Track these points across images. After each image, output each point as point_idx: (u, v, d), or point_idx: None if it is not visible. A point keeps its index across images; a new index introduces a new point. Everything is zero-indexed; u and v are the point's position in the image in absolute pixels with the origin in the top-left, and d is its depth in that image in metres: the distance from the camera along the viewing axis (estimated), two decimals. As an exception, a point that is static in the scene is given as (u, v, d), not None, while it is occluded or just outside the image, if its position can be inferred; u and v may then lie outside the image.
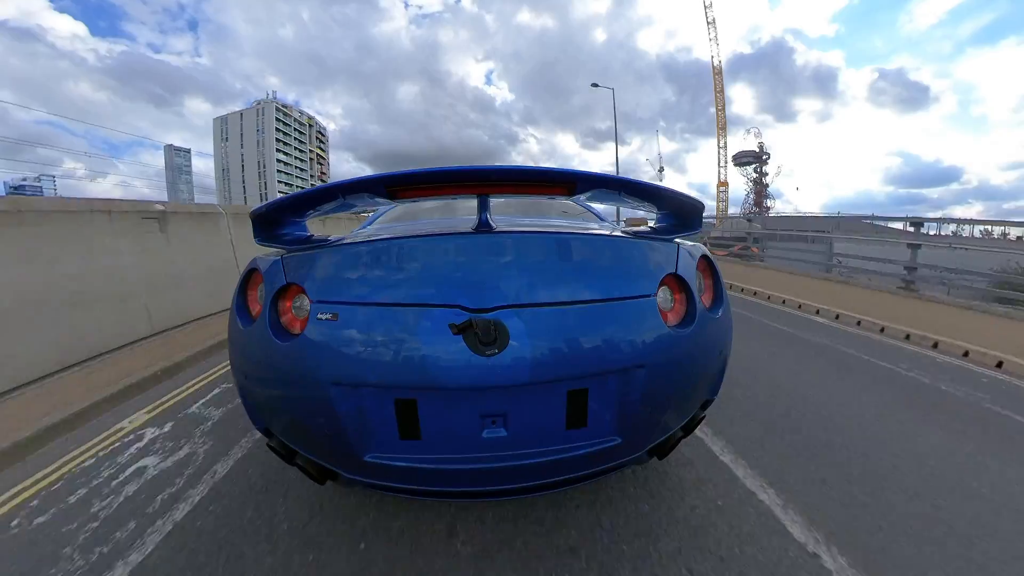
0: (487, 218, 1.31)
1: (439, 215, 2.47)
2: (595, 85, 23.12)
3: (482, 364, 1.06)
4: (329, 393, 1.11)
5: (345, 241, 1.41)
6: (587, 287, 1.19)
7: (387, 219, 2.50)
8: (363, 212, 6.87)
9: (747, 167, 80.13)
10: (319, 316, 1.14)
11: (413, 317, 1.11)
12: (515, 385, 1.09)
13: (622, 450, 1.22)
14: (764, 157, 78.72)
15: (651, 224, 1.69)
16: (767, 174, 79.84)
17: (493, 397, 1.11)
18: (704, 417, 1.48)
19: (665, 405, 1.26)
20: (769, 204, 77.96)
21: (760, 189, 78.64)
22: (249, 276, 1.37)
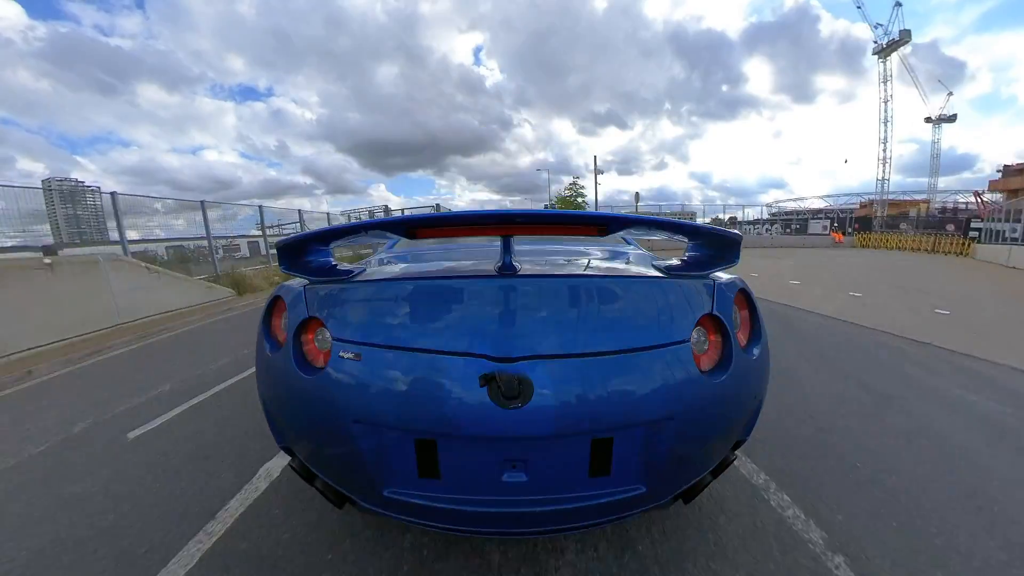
0: (511, 260, 1.28)
1: (458, 244, 2.47)
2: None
3: (504, 415, 1.05)
4: (350, 429, 1.13)
5: (365, 277, 1.39)
6: (617, 334, 1.14)
7: (404, 244, 2.51)
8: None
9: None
10: (341, 354, 1.16)
11: (435, 364, 1.10)
12: (538, 437, 1.07)
13: (647, 498, 1.19)
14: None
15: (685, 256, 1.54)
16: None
17: (515, 446, 1.10)
18: (735, 459, 1.40)
19: (694, 453, 1.22)
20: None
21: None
22: (274, 304, 1.40)
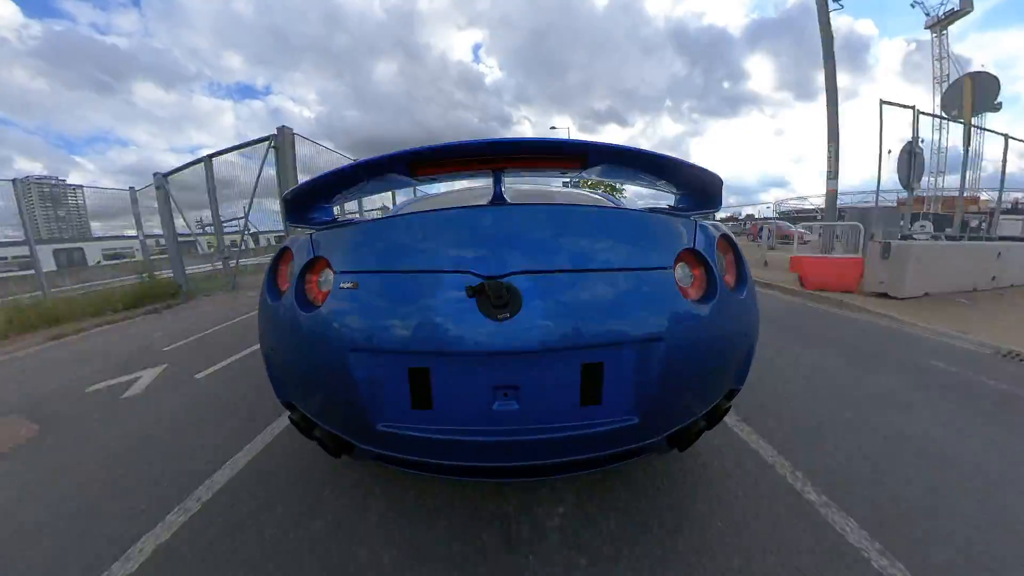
0: (501, 191, 1.34)
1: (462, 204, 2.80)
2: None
3: (494, 329, 1.07)
4: (347, 360, 1.15)
5: (367, 219, 1.52)
6: (601, 257, 1.18)
7: (411, 207, 2.67)
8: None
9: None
10: (341, 285, 1.20)
11: (429, 283, 1.15)
12: (527, 351, 1.09)
13: (639, 432, 1.20)
14: None
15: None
16: None
17: (505, 366, 1.12)
18: (729, 408, 1.40)
19: (685, 385, 1.23)
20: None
21: None
22: (281, 255, 1.46)
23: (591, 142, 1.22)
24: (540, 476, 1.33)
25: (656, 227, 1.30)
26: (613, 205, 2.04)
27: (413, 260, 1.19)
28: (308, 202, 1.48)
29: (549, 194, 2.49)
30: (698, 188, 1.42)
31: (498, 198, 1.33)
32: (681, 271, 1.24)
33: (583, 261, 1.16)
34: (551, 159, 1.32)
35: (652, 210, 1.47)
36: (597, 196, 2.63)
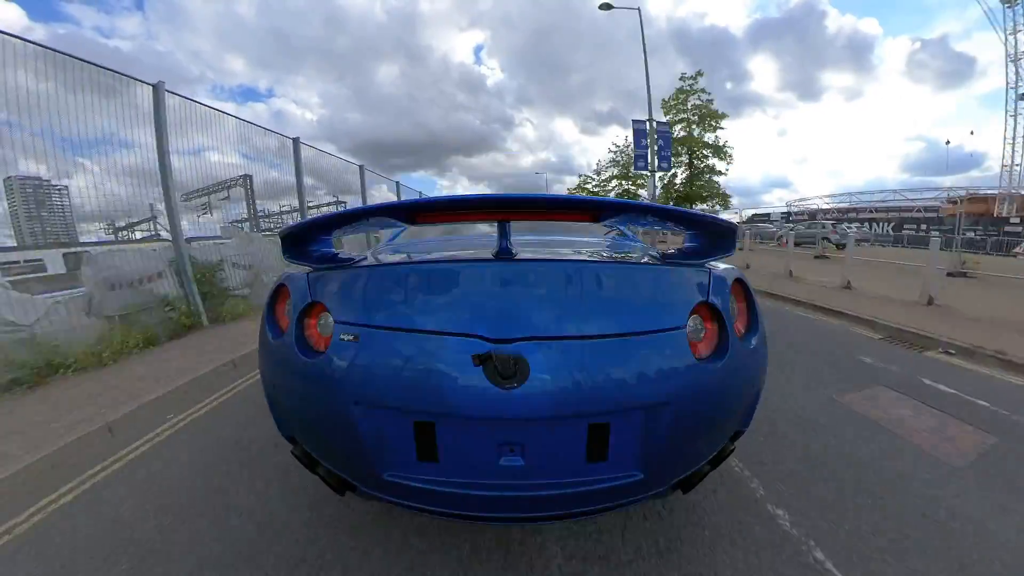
0: (508, 244, 1.29)
1: (460, 231, 2.53)
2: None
3: (501, 396, 1.05)
4: (350, 411, 1.13)
5: (368, 263, 1.44)
6: (612, 319, 1.15)
7: (409, 234, 2.57)
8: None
9: None
10: (342, 337, 1.17)
11: (433, 345, 1.12)
12: (533, 419, 1.08)
13: (644, 485, 1.18)
14: None
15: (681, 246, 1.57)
16: None
17: (511, 428, 1.11)
18: (734, 449, 1.38)
19: (691, 441, 1.21)
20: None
21: None
22: (278, 291, 1.42)
23: (603, 200, 1.19)
24: (542, 522, 1.42)
25: (671, 282, 1.29)
26: (625, 250, 1.84)
27: (416, 318, 1.16)
28: (306, 237, 1.41)
29: (558, 234, 2.27)
30: (712, 236, 1.32)
31: (504, 252, 1.27)
32: (693, 325, 1.21)
33: (594, 325, 1.13)
34: (563, 213, 1.30)
35: (665, 258, 1.44)
36: (608, 230, 2.46)
